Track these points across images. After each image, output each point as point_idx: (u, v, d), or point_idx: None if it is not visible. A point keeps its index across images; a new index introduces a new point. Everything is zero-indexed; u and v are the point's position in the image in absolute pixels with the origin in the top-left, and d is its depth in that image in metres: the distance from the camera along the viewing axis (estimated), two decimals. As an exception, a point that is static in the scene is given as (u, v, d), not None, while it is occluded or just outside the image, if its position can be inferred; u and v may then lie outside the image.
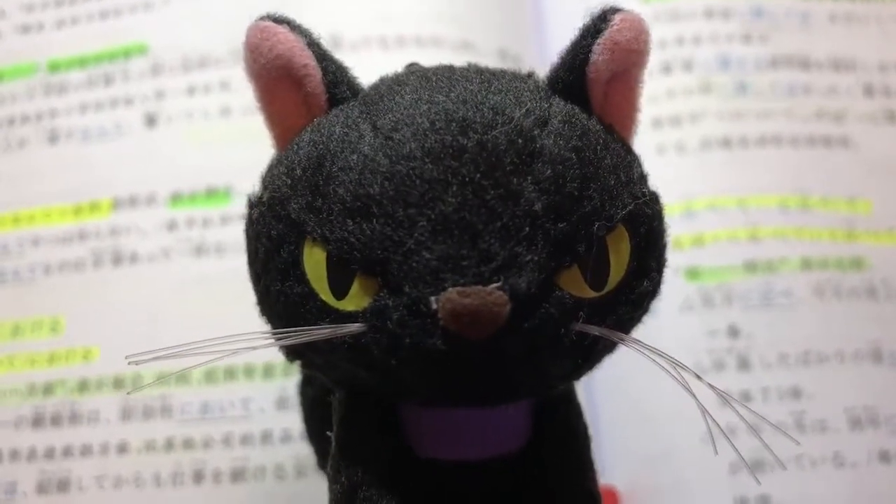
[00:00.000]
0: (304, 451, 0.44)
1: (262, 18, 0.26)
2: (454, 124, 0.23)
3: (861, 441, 0.45)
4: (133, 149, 0.52)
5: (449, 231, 0.22)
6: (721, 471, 0.44)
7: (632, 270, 0.25)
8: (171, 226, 0.50)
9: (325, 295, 0.24)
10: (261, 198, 0.26)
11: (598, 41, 0.25)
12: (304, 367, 0.28)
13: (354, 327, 0.23)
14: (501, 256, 0.22)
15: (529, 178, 0.23)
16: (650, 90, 0.51)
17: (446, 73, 0.26)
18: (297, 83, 0.26)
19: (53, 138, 0.53)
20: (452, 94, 0.24)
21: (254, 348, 0.24)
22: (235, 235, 0.48)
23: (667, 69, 0.53)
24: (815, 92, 0.53)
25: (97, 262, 0.49)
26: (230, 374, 0.46)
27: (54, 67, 0.55)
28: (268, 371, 0.46)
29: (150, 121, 0.53)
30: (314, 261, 0.24)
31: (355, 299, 0.24)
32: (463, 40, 0.53)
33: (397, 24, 0.53)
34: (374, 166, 0.23)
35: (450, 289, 0.22)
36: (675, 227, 0.48)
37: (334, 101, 0.26)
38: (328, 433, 0.28)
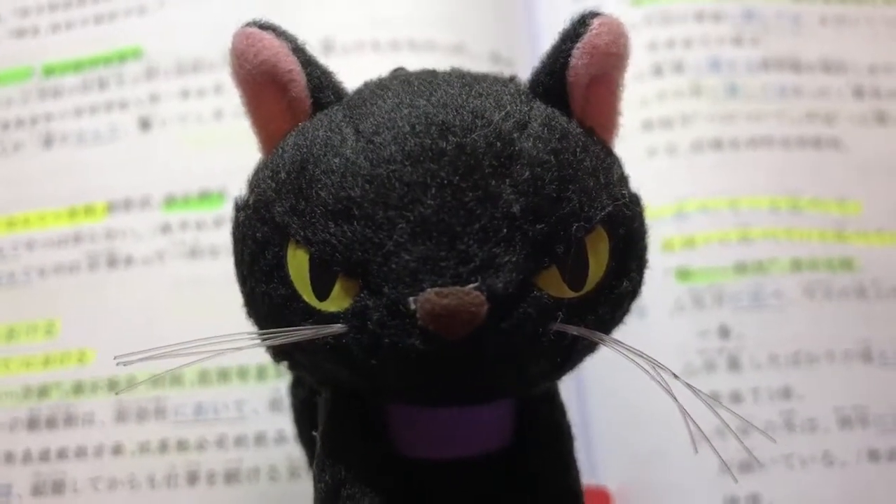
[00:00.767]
0: (297, 452, 0.44)
1: (247, 25, 0.27)
2: (434, 128, 0.24)
3: (851, 440, 0.45)
4: (127, 152, 0.52)
5: (428, 233, 0.23)
6: (711, 470, 0.44)
7: (611, 271, 0.26)
8: (166, 228, 0.50)
9: (308, 296, 0.24)
10: (247, 201, 0.27)
11: (578, 45, 0.26)
12: (291, 368, 0.29)
13: (336, 328, 0.24)
14: (479, 257, 0.23)
15: (508, 180, 0.23)
16: (641, 92, 0.52)
17: (428, 78, 0.26)
18: (282, 88, 0.27)
19: (48, 142, 0.53)
20: (433, 99, 0.25)
21: (238, 349, 0.25)
22: (229, 238, 0.49)
23: (658, 71, 0.53)
24: (805, 94, 0.54)
25: (92, 265, 0.50)
26: (224, 376, 0.46)
27: (49, 71, 0.55)
28: (261, 373, 0.46)
29: (145, 124, 0.53)
30: (297, 263, 0.25)
31: (337, 300, 0.24)
32: (456, 44, 0.53)
33: (390, 28, 0.53)
34: (356, 169, 0.24)
35: (428, 289, 0.22)
36: (667, 229, 0.49)
37: (319, 105, 0.27)
38: (314, 433, 0.29)
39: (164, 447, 0.45)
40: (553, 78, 0.27)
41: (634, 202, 0.27)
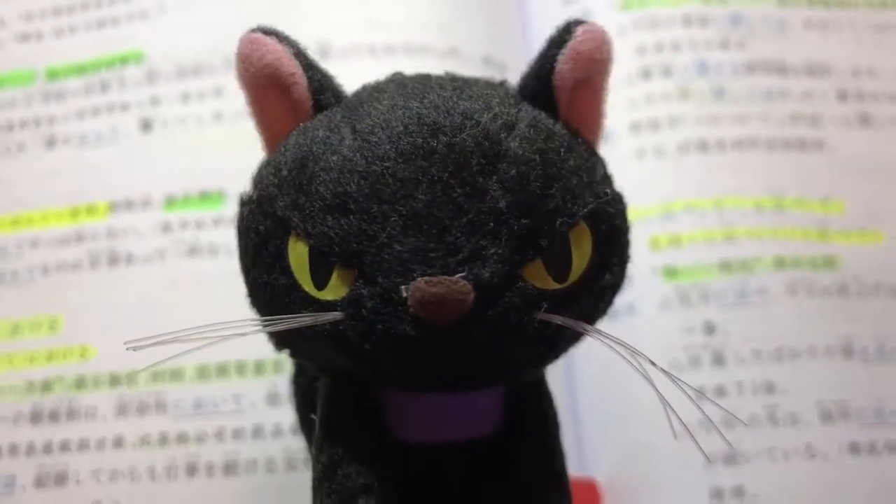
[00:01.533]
0: (294, 444, 0.45)
1: (252, 30, 0.28)
2: (426, 128, 0.25)
3: (832, 434, 0.46)
4: (129, 153, 0.53)
5: (419, 226, 0.24)
6: (698, 464, 0.45)
7: (594, 265, 0.27)
8: (166, 228, 0.51)
9: (307, 286, 0.26)
10: (251, 196, 0.28)
11: (563, 51, 0.27)
12: (293, 355, 0.30)
13: (333, 315, 0.25)
14: (467, 249, 0.24)
15: (495, 177, 0.25)
16: (630, 95, 0.54)
17: (422, 81, 0.28)
18: (285, 90, 0.28)
19: (51, 143, 0.54)
20: (426, 101, 0.26)
21: (243, 334, 0.26)
22: (228, 237, 0.48)
23: (646, 75, 0.54)
24: (790, 97, 0.54)
25: (94, 263, 0.50)
26: (222, 370, 0.47)
27: (52, 75, 0.56)
28: (259, 368, 0.47)
29: (146, 126, 0.53)
30: (297, 254, 0.26)
31: (334, 289, 0.25)
32: (449, 48, 0.54)
33: (385, 33, 0.54)
34: (352, 166, 0.25)
35: (418, 278, 0.24)
36: (654, 228, 0.50)
37: (319, 106, 0.28)
38: (312, 416, 0.30)
39: (164, 440, 0.46)
40: (540, 82, 0.28)
41: (617, 200, 0.29)
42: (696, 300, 0.49)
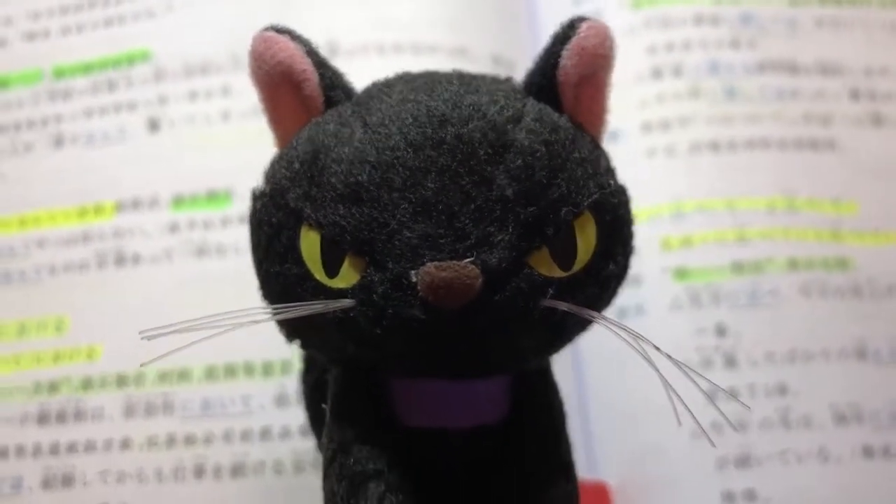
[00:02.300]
0: (302, 446, 0.46)
1: (265, 29, 0.30)
2: (434, 119, 0.27)
3: (846, 436, 0.47)
4: (136, 153, 0.55)
5: (428, 213, 0.26)
6: (709, 465, 0.46)
7: (598, 254, 0.29)
8: (173, 227, 0.52)
9: (319, 274, 0.28)
10: (263, 190, 0.30)
11: (567, 47, 0.29)
12: (303, 346, 0.32)
13: (345, 302, 0.27)
14: (475, 235, 0.26)
15: (502, 166, 0.27)
16: (641, 95, 0.56)
17: (431, 77, 0.30)
18: (297, 87, 0.30)
19: (58, 143, 0.56)
20: (434, 95, 0.28)
21: (255, 322, 0.28)
22: (235, 237, 0.51)
23: (657, 74, 0.56)
24: (802, 96, 0.56)
25: (101, 263, 0.52)
26: (231, 371, 0.48)
27: (59, 74, 0.58)
28: (267, 369, 0.48)
29: (153, 125, 0.55)
30: (309, 243, 0.28)
31: (346, 277, 0.27)
32: (458, 46, 0.55)
33: (394, 31, 0.55)
34: (363, 157, 0.27)
35: (428, 263, 0.26)
36: (665, 229, 0.52)
37: (330, 103, 0.30)
38: (323, 406, 0.32)
39: (171, 441, 0.47)
40: (545, 77, 0.30)
41: (620, 192, 0.30)
42: (708, 301, 0.50)
